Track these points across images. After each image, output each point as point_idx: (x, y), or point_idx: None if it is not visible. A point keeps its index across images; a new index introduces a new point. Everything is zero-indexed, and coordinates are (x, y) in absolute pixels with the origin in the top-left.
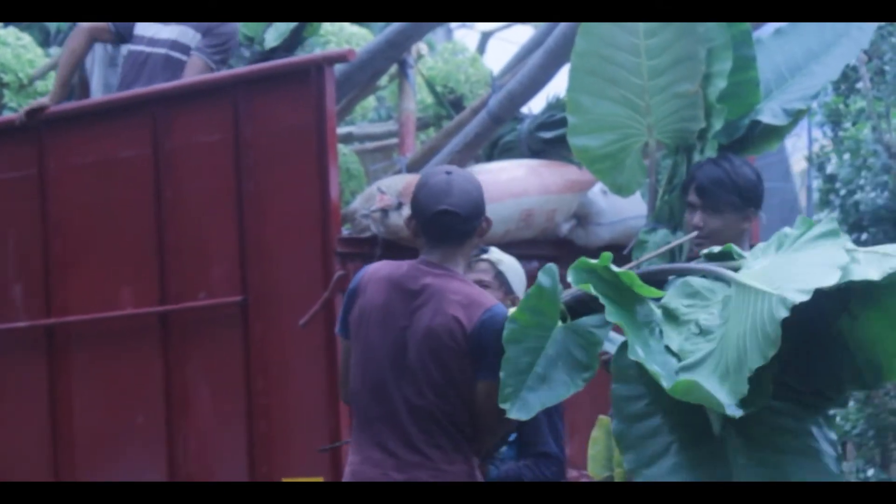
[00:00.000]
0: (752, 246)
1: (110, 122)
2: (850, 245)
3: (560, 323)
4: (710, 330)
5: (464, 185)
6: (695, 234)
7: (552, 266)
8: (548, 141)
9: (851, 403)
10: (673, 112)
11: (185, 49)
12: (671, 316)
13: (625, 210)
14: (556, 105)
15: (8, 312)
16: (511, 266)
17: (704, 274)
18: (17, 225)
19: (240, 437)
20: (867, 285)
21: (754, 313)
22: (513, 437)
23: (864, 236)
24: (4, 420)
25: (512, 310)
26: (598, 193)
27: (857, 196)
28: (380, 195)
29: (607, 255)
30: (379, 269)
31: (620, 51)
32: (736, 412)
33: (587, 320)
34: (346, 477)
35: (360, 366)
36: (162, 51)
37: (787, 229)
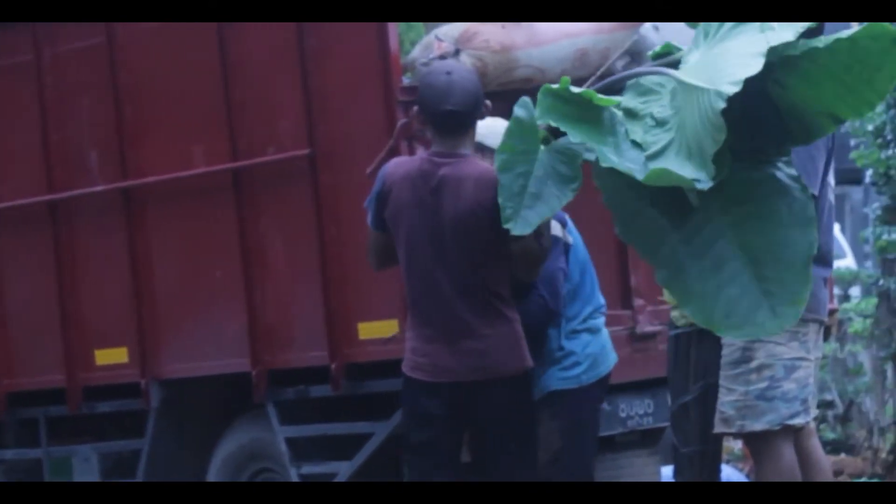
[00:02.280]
0: None
1: None
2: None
3: (542, 147)
4: (666, 120)
5: (463, 84)
6: None
7: (526, 98)
8: None
9: None
10: None
11: None
12: (630, 113)
13: (678, 44)
14: None
15: (85, 179)
16: (490, 130)
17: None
18: (89, 93)
19: (315, 286)
20: (787, 57)
21: (699, 106)
22: None
23: None
24: (90, 282)
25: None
26: (650, 29)
27: None
28: (437, 43)
29: (566, 78)
30: (397, 169)
31: None
32: (705, 185)
33: (564, 140)
34: (407, 352)
35: (406, 256)
36: None
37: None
